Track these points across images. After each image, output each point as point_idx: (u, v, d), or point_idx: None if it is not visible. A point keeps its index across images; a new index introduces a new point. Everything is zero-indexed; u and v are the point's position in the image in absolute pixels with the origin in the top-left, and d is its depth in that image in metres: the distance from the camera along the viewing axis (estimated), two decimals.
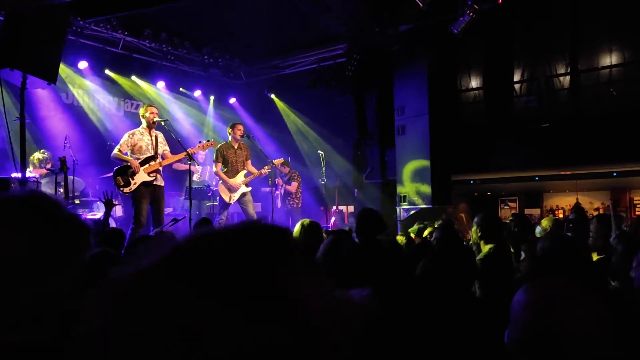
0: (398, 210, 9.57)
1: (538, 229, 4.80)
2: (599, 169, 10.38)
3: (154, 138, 6.91)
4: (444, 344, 1.80)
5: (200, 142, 7.37)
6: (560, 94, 10.45)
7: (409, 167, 9.26)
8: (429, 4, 7.94)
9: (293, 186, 9.93)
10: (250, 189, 8.03)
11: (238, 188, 7.84)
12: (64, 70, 8.81)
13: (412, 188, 9.20)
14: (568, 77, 10.33)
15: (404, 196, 9.35)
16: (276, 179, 10.14)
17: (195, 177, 9.52)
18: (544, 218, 5.54)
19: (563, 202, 13.57)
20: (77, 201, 7.57)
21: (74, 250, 1.06)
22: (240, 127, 8.11)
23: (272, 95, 12.07)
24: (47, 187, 6.75)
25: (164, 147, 6.98)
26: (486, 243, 3.57)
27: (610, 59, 9.96)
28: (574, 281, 1.19)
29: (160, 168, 6.85)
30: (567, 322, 1.09)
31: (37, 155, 7.29)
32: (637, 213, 11.84)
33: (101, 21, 8.64)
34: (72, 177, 6.97)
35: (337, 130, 11.31)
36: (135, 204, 6.59)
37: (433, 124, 9.00)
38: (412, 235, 5.51)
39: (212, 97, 11.77)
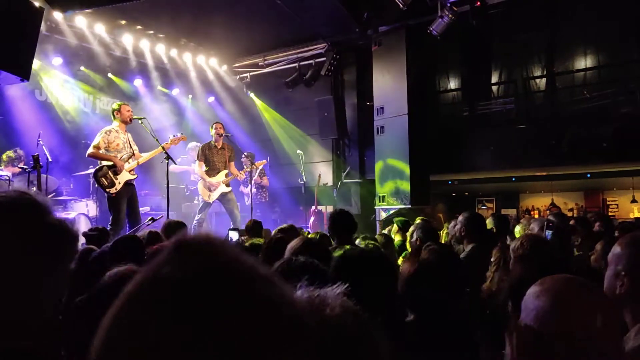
0: (377, 210, 9.59)
1: (517, 228, 4.84)
2: (573, 170, 10.57)
3: (127, 136, 6.78)
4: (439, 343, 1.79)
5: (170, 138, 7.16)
6: (537, 96, 10.62)
7: (388, 167, 9.29)
8: (409, 5, 7.98)
9: (266, 180, 9.96)
10: (230, 189, 7.95)
11: (217, 187, 7.76)
12: (37, 66, 8.60)
13: (391, 188, 9.23)
14: (544, 80, 10.50)
15: (383, 196, 9.37)
16: (259, 177, 10.12)
17: (192, 177, 9.40)
18: (519, 223, 5.56)
19: (539, 202, 13.81)
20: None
21: (59, 257, 1.01)
22: (218, 125, 8.02)
23: (251, 94, 11.99)
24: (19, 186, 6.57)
25: (134, 146, 6.85)
26: (469, 242, 3.59)
27: (585, 62, 10.15)
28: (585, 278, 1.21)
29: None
30: (579, 317, 1.10)
31: (8, 154, 7.10)
32: (610, 213, 12.08)
33: (77, 16, 8.45)
34: (45, 175, 6.80)
35: (317, 129, 11.28)
36: (116, 204, 6.41)
37: (412, 124, 9.04)
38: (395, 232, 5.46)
39: (190, 96, 11.62)
